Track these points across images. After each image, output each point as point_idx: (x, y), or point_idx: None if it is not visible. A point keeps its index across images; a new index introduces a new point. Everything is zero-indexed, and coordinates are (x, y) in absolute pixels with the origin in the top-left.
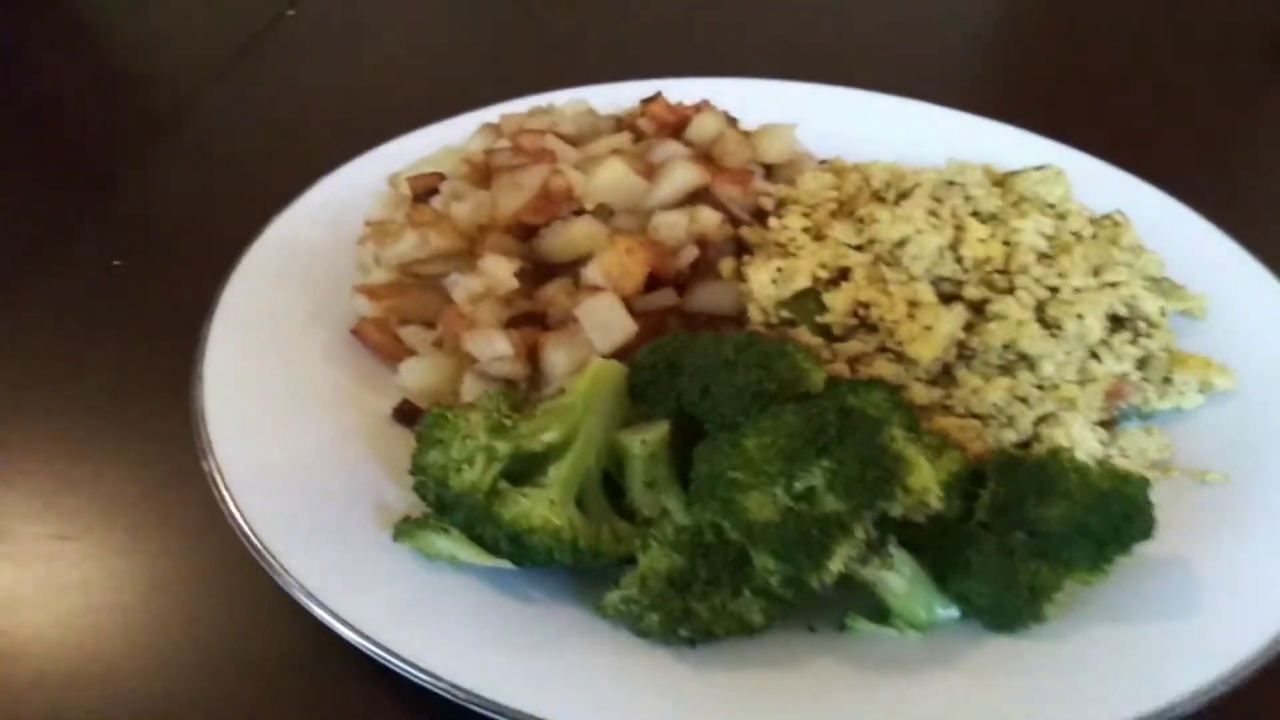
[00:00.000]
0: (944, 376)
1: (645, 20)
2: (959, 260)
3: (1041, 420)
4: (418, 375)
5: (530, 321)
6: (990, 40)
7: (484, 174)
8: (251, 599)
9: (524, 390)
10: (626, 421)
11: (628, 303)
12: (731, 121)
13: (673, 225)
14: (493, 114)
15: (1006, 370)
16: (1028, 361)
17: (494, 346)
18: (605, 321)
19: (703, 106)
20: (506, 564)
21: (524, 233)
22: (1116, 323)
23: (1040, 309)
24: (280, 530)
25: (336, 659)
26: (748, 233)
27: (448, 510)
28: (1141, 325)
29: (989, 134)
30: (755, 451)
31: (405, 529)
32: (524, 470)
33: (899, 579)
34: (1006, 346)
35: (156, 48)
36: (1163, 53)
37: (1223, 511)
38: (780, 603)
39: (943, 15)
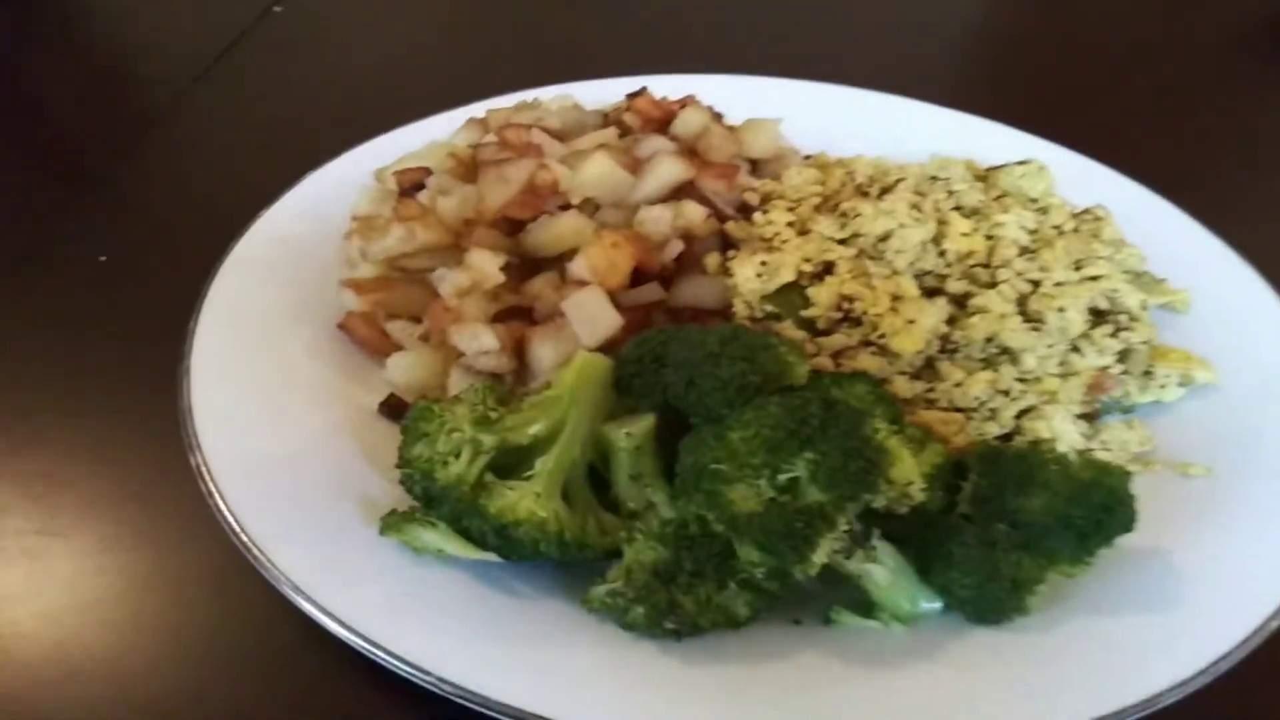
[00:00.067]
0: (927, 370)
1: (631, 16)
2: (942, 254)
3: (1024, 413)
4: (404, 369)
5: (516, 315)
6: (975, 37)
7: (470, 169)
8: (239, 594)
9: (510, 384)
10: (612, 415)
11: (613, 297)
12: (716, 117)
13: (658, 220)
14: (479, 109)
15: (989, 363)
16: (1010, 355)
17: (480, 340)
18: (591, 315)
19: (688, 102)
20: (493, 557)
21: (510, 227)
22: (1098, 316)
23: (1022, 302)
24: (267, 524)
25: (324, 653)
26: (733, 227)
27: (434, 504)
28: (1122, 319)
29: (972, 130)
30: (739, 444)
31: (392, 523)
32: (510, 463)
33: (883, 571)
34: (989, 340)
35: (144, 45)
36: (1147, 50)
37: (1204, 504)
38: (765, 595)
39: (928, 12)
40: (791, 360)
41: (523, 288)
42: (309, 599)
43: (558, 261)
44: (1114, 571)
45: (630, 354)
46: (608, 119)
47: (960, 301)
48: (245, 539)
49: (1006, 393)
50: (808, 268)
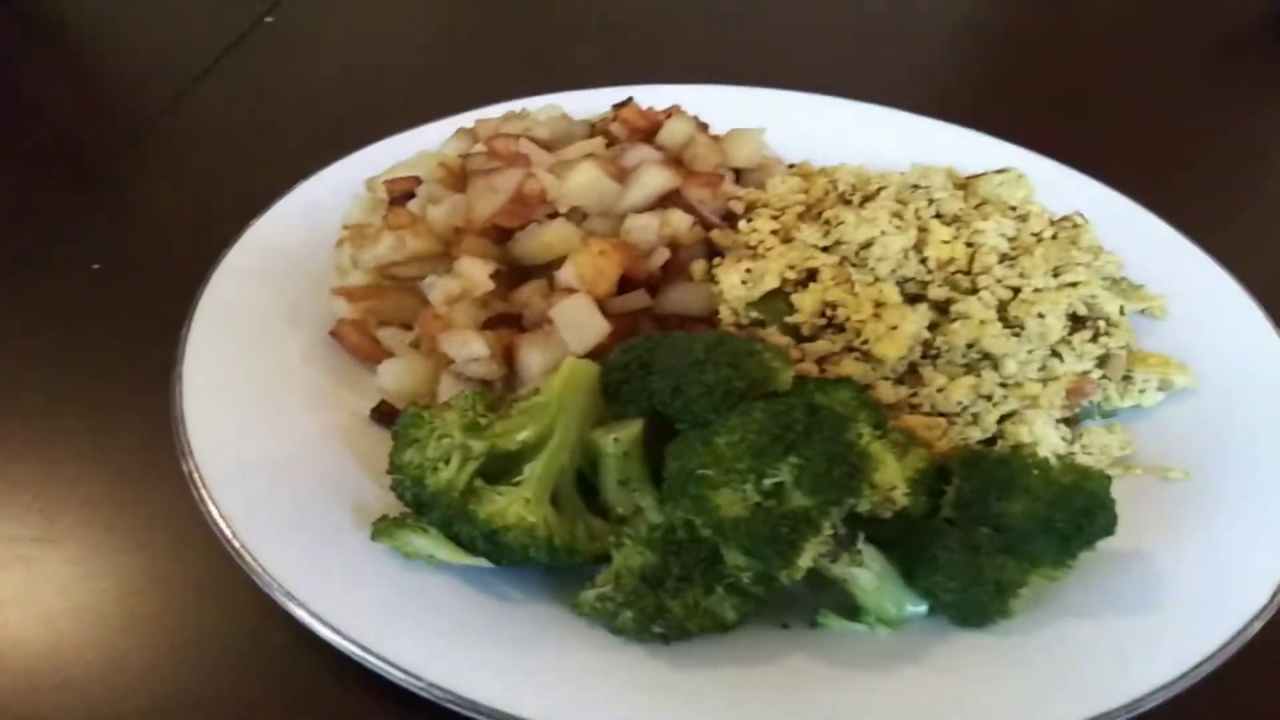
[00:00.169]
0: (910, 375)
1: (617, 28)
2: (923, 261)
3: (1005, 418)
4: (395, 376)
5: (506, 323)
6: (956, 47)
7: (459, 178)
8: (232, 599)
9: (499, 390)
10: (600, 420)
11: (601, 304)
12: (702, 127)
13: (645, 228)
14: (468, 119)
15: (970, 369)
16: (991, 360)
17: (470, 347)
18: (579, 322)
19: (673, 112)
20: (483, 562)
21: (499, 235)
22: (1077, 322)
23: (1002, 309)
24: (259, 531)
25: (316, 658)
26: (718, 235)
27: (425, 509)
28: (1101, 324)
29: (952, 139)
30: (725, 449)
31: (383, 528)
32: (499, 469)
33: (868, 575)
34: (970, 345)
35: (137, 52)
36: (1127, 60)
37: (1184, 507)
38: (752, 599)
39: (911, 23)
40: (776, 366)
41: (512, 295)
42: (300, 604)
43: (546, 269)
44: (1096, 574)
45: (617, 360)
46: (595, 129)
47: (942, 308)
48: (237, 545)
49: (988, 398)
50: (792, 275)
